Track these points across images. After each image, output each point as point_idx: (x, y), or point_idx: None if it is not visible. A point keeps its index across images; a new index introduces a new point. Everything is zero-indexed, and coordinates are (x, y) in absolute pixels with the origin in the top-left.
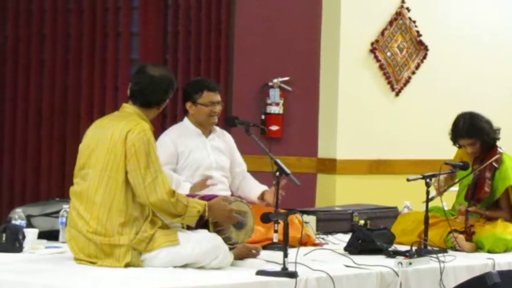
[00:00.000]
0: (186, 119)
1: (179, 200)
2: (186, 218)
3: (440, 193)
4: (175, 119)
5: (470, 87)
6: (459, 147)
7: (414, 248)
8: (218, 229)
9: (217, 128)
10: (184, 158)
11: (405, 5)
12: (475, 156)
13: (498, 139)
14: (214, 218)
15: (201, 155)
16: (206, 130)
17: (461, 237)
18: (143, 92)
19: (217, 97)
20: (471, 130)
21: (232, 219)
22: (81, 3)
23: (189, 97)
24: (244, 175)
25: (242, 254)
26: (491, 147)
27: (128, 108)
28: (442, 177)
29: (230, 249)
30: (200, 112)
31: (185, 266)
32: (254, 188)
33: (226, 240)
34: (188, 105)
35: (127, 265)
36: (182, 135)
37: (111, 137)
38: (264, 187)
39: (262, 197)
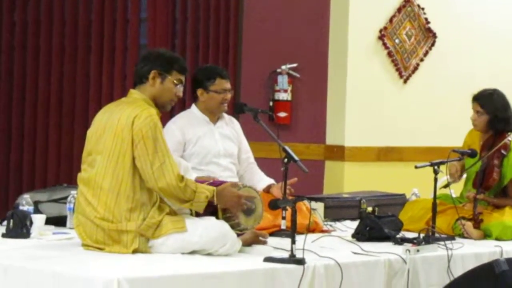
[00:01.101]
0: (194, 106)
1: (188, 185)
2: (194, 204)
3: (457, 178)
4: (184, 106)
5: (478, 74)
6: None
7: (422, 235)
8: (227, 215)
9: (225, 115)
10: (192, 145)
11: None
12: (480, 130)
13: (508, 131)
14: (222, 204)
15: (209, 143)
16: (214, 117)
17: (469, 225)
18: (136, 69)
19: (228, 85)
20: (484, 99)
21: (241, 205)
22: None
23: (200, 84)
24: (249, 164)
25: (250, 240)
26: (501, 135)
27: (135, 94)
28: (456, 163)
29: (239, 235)
30: (212, 99)
31: (192, 252)
32: (261, 181)
33: (235, 226)
34: (200, 91)
35: (134, 251)
36: (190, 123)
37: (118, 123)
38: (271, 180)
39: (268, 190)
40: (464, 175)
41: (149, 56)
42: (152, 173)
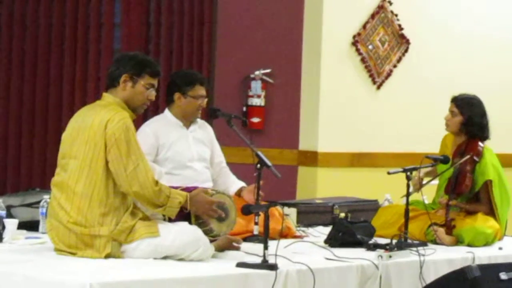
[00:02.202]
0: (167, 111)
1: (162, 189)
2: (167, 209)
3: (417, 189)
4: (157, 111)
5: (452, 80)
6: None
7: (394, 241)
8: (200, 221)
9: (198, 120)
10: (165, 150)
11: None
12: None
13: (484, 137)
14: (194, 210)
15: (183, 147)
16: (187, 122)
17: (441, 230)
18: (108, 72)
19: (205, 92)
20: (461, 100)
21: (213, 212)
22: None
23: (178, 88)
24: (222, 168)
25: (223, 246)
26: (473, 141)
27: (108, 97)
28: (421, 172)
29: (212, 241)
30: (189, 104)
31: (165, 258)
32: (233, 184)
33: (208, 232)
34: (177, 96)
35: (107, 256)
36: (164, 127)
37: (91, 127)
38: (242, 183)
39: (239, 193)
40: (435, 182)
41: (121, 59)
42: (125, 176)
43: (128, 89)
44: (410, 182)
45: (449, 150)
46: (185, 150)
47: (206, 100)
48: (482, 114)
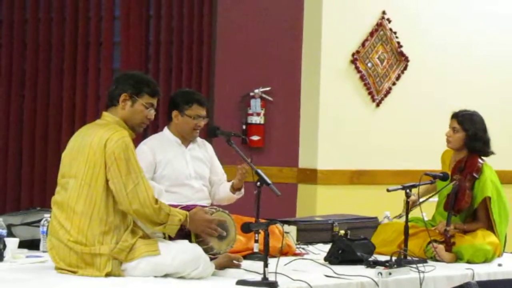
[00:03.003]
0: (166, 129)
1: (162, 208)
2: (167, 227)
3: (408, 210)
4: (157, 129)
5: (451, 98)
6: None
7: (394, 258)
8: (200, 239)
9: (198, 138)
10: (162, 167)
11: (386, 16)
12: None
13: (485, 154)
14: (194, 229)
15: (180, 165)
16: (186, 140)
17: (441, 247)
18: (108, 91)
19: (204, 112)
20: (464, 116)
21: (212, 230)
22: (63, 12)
23: (177, 106)
24: (222, 184)
25: (224, 264)
26: (472, 157)
27: (108, 116)
28: (413, 197)
29: (212, 259)
30: (185, 123)
31: (166, 276)
32: (225, 187)
33: (208, 250)
34: (174, 113)
35: (108, 275)
36: (161, 145)
37: (90, 146)
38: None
39: (233, 187)
40: (435, 199)
41: (120, 78)
42: (126, 194)
43: (127, 108)
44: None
45: (447, 167)
46: (182, 168)
47: (205, 120)
48: (484, 129)
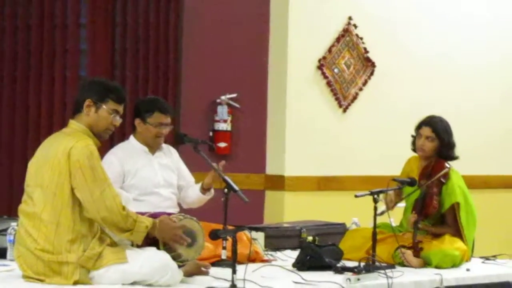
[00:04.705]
0: (132, 137)
1: (129, 214)
2: (134, 233)
3: (390, 207)
4: (123, 137)
5: (417, 103)
6: (413, 143)
7: (362, 264)
8: (167, 246)
9: (163, 144)
10: (131, 176)
11: (352, 22)
12: (427, 155)
13: (452, 158)
14: (160, 237)
15: (149, 174)
16: (152, 148)
17: (409, 253)
18: (75, 97)
19: (167, 120)
20: (436, 124)
21: (179, 238)
22: (29, 20)
23: (139, 114)
24: (191, 187)
25: (192, 271)
26: (439, 163)
27: (74, 124)
28: (391, 192)
29: (180, 266)
30: (147, 131)
31: (133, 283)
32: (194, 189)
33: (176, 257)
34: (137, 121)
35: (75, 283)
36: (129, 154)
37: (55, 155)
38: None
39: (203, 187)
40: (402, 204)
41: (85, 84)
42: (92, 202)
43: (91, 114)
44: (383, 201)
45: (415, 173)
46: (151, 177)
47: (168, 128)
48: (452, 133)
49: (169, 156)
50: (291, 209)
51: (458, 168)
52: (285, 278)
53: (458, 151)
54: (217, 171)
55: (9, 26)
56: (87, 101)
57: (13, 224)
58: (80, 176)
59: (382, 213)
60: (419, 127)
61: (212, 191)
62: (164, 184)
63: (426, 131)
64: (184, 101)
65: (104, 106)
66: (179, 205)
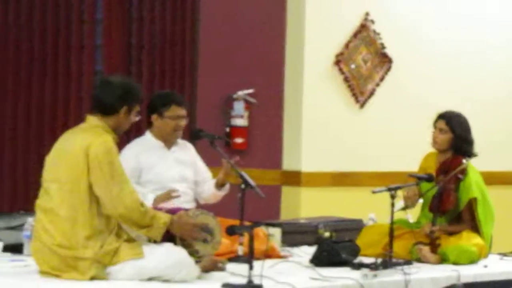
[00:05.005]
0: (148, 133)
1: (147, 211)
2: (152, 230)
3: (414, 201)
4: (139, 133)
5: (435, 99)
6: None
7: (379, 260)
8: (184, 242)
9: (179, 140)
10: (147, 172)
11: (370, 18)
12: (439, 147)
13: (469, 155)
14: (178, 233)
15: (164, 169)
16: (169, 143)
17: (426, 249)
18: (97, 99)
19: (183, 112)
20: (453, 118)
21: (195, 234)
22: (45, 15)
23: (155, 109)
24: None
25: (208, 267)
26: (456, 159)
27: (92, 120)
28: (410, 189)
29: (197, 262)
30: (166, 125)
31: (150, 279)
32: (210, 185)
33: (193, 253)
34: (154, 117)
35: (92, 278)
36: (144, 149)
37: (73, 150)
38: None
39: (217, 183)
40: (421, 200)
41: (118, 89)
42: (110, 198)
43: (121, 119)
44: (405, 197)
45: (432, 169)
46: (166, 171)
47: (186, 120)
48: (469, 130)
49: (186, 151)
50: (308, 205)
51: (476, 164)
52: (301, 274)
53: (476, 146)
54: (233, 166)
55: (25, 21)
56: (125, 108)
57: (30, 219)
58: (99, 172)
59: (402, 209)
60: (435, 121)
61: (228, 186)
62: (179, 179)
63: (440, 123)
64: (201, 97)
65: (133, 111)
66: (196, 200)
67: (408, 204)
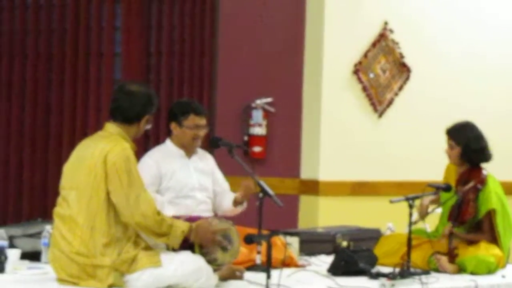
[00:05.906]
0: (168, 141)
1: (164, 219)
2: (170, 238)
3: (422, 217)
4: (158, 141)
5: (453, 109)
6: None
7: (397, 270)
8: (203, 250)
9: (199, 150)
10: (168, 179)
11: (388, 27)
12: (455, 162)
13: (485, 160)
14: (198, 240)
15: (185, 176)
16: (189, 152)
17: (444, 259)
18: (121, 108)
19: (203, 121)
20: (454, 131)
21: (216, 242)
22: (64, 23)
23: (174, 117)
24: (226, 194)
25: (226, 276)
26: (476, 169)
27: (111, 128)
28: (426, 200)
29: (215, 270)
30: (184, 134)
31: (168, 287)
32: (228, 200)
33: (212, 261)
34: (173, 125)
35: (110, 286)
36: (165, 157)
37: (91, 158)
38: (234, 194)
39: (235, 201)
40: (439, 210)
41: (141, 98)
42: (128, 206)
43: (141, 128)
44: (415, 210)
45: (453, 179)
46: (187, 179)
47: (205, 130)
48: (478, 137)
49: (205, 161)
50: (326, 214)
51: (496, 174)
52: (319, 283)
53: (495, 155)
54: (252, 175)
55: (44, 29)
56: (147, 117)
57: (48, 227)
58: (116, 180)
59: (414, 222)
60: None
61: (245, 204)
62: (199, 187)
63: (447, 139)
64: (219, 105)
65: (149, 120)
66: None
67: (417, 219)
